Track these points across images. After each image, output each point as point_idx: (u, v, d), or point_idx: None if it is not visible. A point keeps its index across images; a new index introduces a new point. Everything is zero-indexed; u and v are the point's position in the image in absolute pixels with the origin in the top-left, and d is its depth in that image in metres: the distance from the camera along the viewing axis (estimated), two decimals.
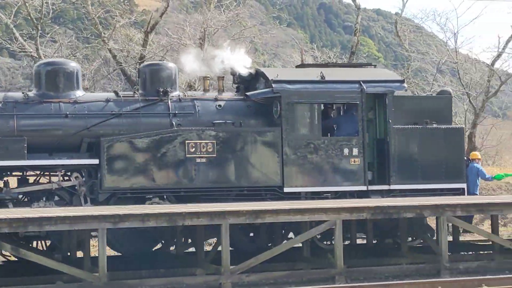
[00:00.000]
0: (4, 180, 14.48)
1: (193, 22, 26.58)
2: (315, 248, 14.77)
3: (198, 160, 14.78)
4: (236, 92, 16.48)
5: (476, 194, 17.50)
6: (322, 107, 15.88)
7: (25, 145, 14.15)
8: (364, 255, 14.89)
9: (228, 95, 16.06)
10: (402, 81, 16.71)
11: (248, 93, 15.83)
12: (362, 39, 73.10)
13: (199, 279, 12.65)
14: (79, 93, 15.10)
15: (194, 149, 14.79)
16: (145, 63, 17.71)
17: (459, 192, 16.01)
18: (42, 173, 14.84)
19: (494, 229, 15.07)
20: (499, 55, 29.03)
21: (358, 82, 15.87)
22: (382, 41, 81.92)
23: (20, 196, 14.40)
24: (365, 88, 15.77)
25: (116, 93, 15.51)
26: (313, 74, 15.96)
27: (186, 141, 14.71)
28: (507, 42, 29.84)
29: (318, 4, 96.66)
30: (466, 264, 13.92)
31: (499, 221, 16.66)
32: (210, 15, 24.89)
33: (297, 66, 19.06)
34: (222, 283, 12.17)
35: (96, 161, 14.37)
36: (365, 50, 63.54)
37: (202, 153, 14.83)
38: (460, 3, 48.28)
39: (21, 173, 14.78)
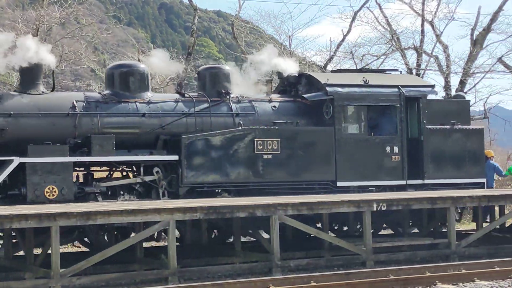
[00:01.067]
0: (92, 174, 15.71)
1: (26, 19, 25.74)
2: (149, 249, 14.79)
3: (265, 156, 16.21)
4: (280, 94, 17.99)
5: (493, 187, 19.74)
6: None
7: (114, 141, 15.23)
8: (197, 254, 14.95)
9: (276, 97, 17.60)
10: (433, 86, 18.70)
11: (305, 95, 17.40)
12: (203, 40, 73.59)
13: (27, 283, 12.25)
14: (149, 94, 16.47)
15: (261, 146, 16.21)
16: (204, 66, 18.71)
17: (479, 186, 18.02)
18: (127, 167, 15.85)
19: (325, 226, 15.49)
20: (330, 58, 30.03)
21: (397, 86, 17.74)
22: (223, 42, 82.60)
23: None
24: (404, 92, 17.62)
25: (183, 94, 16.78)
26: (356, 79, 17.71)
27: (255, 139, 16.08)
28: (338, 45, 30.93)
29: (159, 4, 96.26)
30: (297, 261, 14.27)
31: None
32: (43, 12, 24.21)
33: (332, 71, 20.84)
34: (52, 287, 11.85)
35: (176, 157, 15.53)
36: (206, 51, 63.97)
37: (268, 150, 16.27)
38: (294, 6, 49.46)
39: (108, 168, 15.97)
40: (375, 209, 14.21)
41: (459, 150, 17.83)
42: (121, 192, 15.31)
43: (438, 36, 31.80)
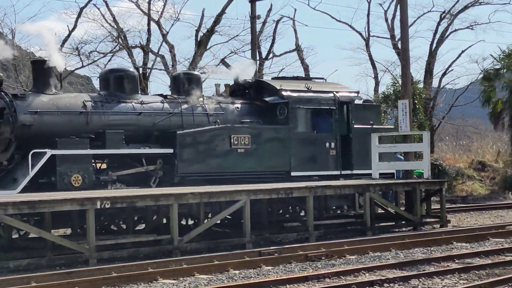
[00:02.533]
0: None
1: None
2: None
3: (239, 150, 19.06)
4: (231, 96, 20.67)
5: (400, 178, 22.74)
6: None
7: (123, 136, 17.55)
8: None
9: (237, 99, 20.47)
10: (358, 92, 22.99)
11: (266, 99, 20.42)
12: None
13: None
14: (139, 95, 19.07)
15: (237, 141, 19.05)
16: (182, 71, 22.20)
17: (391, 176, 22.23)
18: (130, 159, 17.84)
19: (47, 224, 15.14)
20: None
21: (332, 92, 21.21)
22: None
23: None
24: (338, 97, 21.10)
25: (165, 96, 19.23)
26: (300, 85, 21.09)
27: (232, 135, 18.91)
28: (64, 41, 30.42)
29: None
30: (17, 262, 13.76)
31: None
32: None
33: (273, 78, 24.21)
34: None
35: (171, 150, 18.02)
36: None
37: (241, 145, 19.13)
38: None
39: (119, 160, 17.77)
40: (99, 206, 14.16)
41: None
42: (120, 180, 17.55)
43: (164, 36, 32.46)
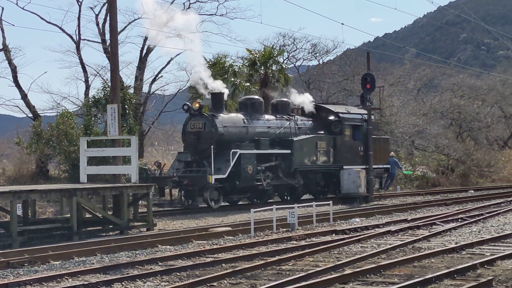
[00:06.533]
0: None
1: None
2: None
3: (321, 151, 31.99)
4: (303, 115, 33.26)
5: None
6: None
7: (268, 142, 30.08)
8: None
9: (309, 118, 33.35)
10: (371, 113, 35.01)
11: (330, 118, 33.33)
12: None
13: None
14: (265, 115, 31.73)
15: (319, 145, 31.94)
16: (278, 99, 34.17)
17: (384, 170, 36.42)
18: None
19: None
20: None
21: (360, 113, 33.98)
22: None
23: None
24: (364, 117, 33.70)
25: (275, 116, 31.97)
26: (342, 108, 34.59)
27: (317, 142, 31.85)
28: None
29: None
30: None
31: None
32: None
33: (321, 103, 36.69)
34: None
35: (289, 151, 30.60)
36: None
37: (321, 148, 32.00)
38: None
39: None
40: None
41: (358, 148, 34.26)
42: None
43: None
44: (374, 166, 32.91)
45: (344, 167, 31.70)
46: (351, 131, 33.19)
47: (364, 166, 32.36)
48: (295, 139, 30.10)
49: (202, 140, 27.74)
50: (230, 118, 28.61)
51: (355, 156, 33.15)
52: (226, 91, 29.72)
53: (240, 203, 30.66)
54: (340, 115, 33.02)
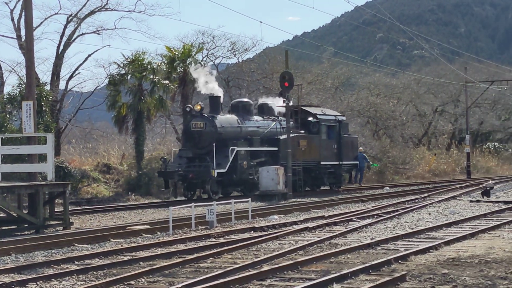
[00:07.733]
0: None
1: None
2: None
3: (302, 149, 35.27)
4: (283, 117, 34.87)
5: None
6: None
7: (260, 141, 33.82)
8: None
9: (289, 119, 34.68)
10: (344, 114, 41.50)
11: (310, 119, 36.74)
12: None
13: None
14: (255, 116, 35.26)
15: (301, 144, 35.47)
16: (262, 101, 37.96)
17: (354, 166, 41.23)
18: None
19: None
20: None
21: (334, 115, 38.55)
22: None
23: None
24: (338, 118, 38.26)
25: (262, 116, 35.63)
26: (318, 110, 38.37)
27: (299, 140, 35.26)
28: None
29: None
30: None
31: None
32: None
33: (303, 105, 39.15)
34: None
35: (276, 148, 34.18)
36: None
37: (302, 146, 35.12)
38: None
39: None
40: None
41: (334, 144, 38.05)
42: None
43: None
44: (344, 162, 38.01)
45: (321, 162, 36.22)
46: (326, 130, 36.96)
47: (337, 162, 37.47)
48: (281, 137, 33.35)
49: (203, 138, 31.37)
50: (227, 119, 32.41)
51: (330, 153, 37.10)
52: (222, 95, 34.84)
53: (232, 194, 32.98)
54: (318, 116, 36.50)
